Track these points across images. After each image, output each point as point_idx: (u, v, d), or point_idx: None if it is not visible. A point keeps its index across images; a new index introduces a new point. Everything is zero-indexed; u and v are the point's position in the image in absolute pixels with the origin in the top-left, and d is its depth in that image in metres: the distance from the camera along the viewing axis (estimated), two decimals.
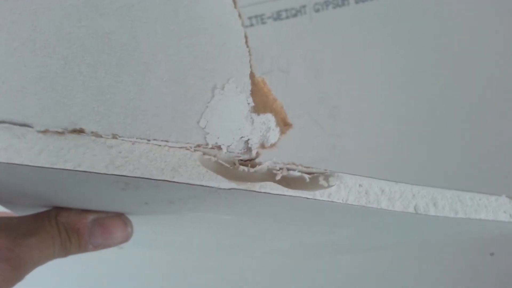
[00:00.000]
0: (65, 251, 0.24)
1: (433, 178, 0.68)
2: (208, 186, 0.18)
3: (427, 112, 0.70)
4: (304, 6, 0.62)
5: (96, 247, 0.26)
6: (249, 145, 0.19)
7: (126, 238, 0.26)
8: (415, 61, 0.70)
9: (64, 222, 0.24)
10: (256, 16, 0.61)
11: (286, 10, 0.62)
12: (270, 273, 0.63)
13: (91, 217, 0.25)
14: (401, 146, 0.69)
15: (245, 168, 0.19)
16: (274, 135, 0.20)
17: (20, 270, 0.22)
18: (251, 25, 0.61)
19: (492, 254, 0.68)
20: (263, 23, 0.61)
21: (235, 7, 0.19)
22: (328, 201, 0.19)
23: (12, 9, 0.17)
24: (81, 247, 0.25)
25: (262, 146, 0.20)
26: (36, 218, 0.24)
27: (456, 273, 0.69)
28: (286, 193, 0.19)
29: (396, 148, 0.69)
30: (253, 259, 0.59)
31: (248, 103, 0.19)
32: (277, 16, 0.61)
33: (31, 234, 0.23)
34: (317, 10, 0.62)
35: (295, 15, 0.62)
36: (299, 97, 0.64)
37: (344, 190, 0.20)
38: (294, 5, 0.63)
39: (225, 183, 0.18)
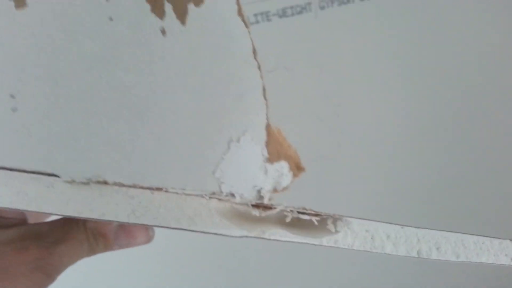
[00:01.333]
0: (92, 252, 0.27)
1: (435, 173, 0.67)
2: (222, 234, 0.19)
3: (431, 109, 0.69)
4: (309, 3, 0.60)
5: (121, 247, 0.28)
6: (261, 194, 0.20)
7: (148, 240, 0.28)
8: (420, 59, 0.68)
9: (92, 227, 0.26)
10: (261, 13, 0.59)
11: (291, 7, 0.59)
12: None
13: (115, 222, 0.27)
14: (405, 144, 0.68)
15: (258, 212, 0.20)
16: (286, 179, 0.21)
17: (53, 275, 0.24)
18: (256, 22, 0.59)
19: None
20: (268, 20, 0.59)
21: (255, 58, 0.19)
22: (335, 247, 0.20)
23: (35, 64, 0.17)
24: (107, 248, 0.27)
25: (275, 190, 0.21)
26: (65, 224, 0.26)
27: (459, 271, 0.70)
28: (294, 240, 0.20)
29: (400, 145, 0.68)
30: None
31: (263, 155, 0.20)
32: (283, 13, 0.58)
33: (61, 241, 0.25)
34: (322, 7, 0.58)
35: (300, 12, 0.59)
36: (303, 95, 0.63)
37: (350, 236, 0.21)
38: (300, 2, 0.60)
39: (237, 231, 0.19)
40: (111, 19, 0.17)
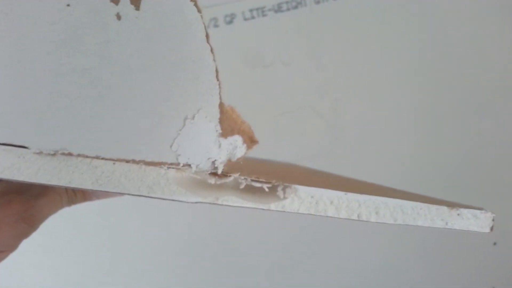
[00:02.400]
0: (72, 203, 0.29)
1: (435, 166, 0.68)
2: (178, 200, 0.22)
3: (429, 103, 0.68)
4: None
5: (98, 198, 0.31)
6: (215, 165, 0.22)
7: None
8: (418, 53, 0.67)
9: None
10: (257, 9, 0.57)
11: (286, 2, 0.57)
12: None
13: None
14: (404, 138, 0.68)
15: (213, 180, 0.22)
16: (240, 151, 0.23)
17: (35, 225, 0.27)
18: (252, 17, 0.58)
19: (495, 243, 0.71)
20: (264, 15, 0.57)
21: (208, 42, 0.20)
22: (282, 211, 0.23)
23: (0, 46, 0.19)
24: (86, 199, 0.30)
25: (230, 161, 0.23)
26: None
27: (460, 262, 0.73)
28: (245, 205, 0.22)
29: (398, 139, 0.68)
30: None
31: (216, 130, 0.21)
32: (278, 8, 0.57)
33: (42, 194, 0.27)
34: (317, 2, 0.57)
35: (295, 7, 0.57)
36: (301, 90, 0.62)
37: (297, 202, 0.23)
38: None
39: (192, 198, 0.22)
40: (68, 5, 0.18)
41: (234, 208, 0.22)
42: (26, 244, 0.28)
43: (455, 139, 0.70)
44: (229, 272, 0.71)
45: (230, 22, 0.59)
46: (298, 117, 0.62)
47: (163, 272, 0.70)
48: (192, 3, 0.19)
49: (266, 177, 0.23)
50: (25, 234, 0.27)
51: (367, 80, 0.66)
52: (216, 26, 0.59)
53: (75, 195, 0.29)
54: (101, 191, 0.30)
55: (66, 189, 0.29)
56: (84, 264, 0.66)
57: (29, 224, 0.26)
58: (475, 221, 0.26)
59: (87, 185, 0.21)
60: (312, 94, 0.64)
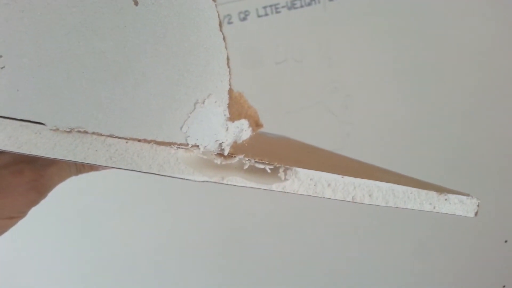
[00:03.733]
0: (79, 172, 0.31)
1: (445, 161, 0.69)
2: (186, 179, 0.23)
3: (441, 100, 0.68)
4: None
5: (104, 168, 0.32)
6: (222, 147, 0.23)
7: None
8: (429, 50, 0.66)
9: None
10: (270, 6, 0.56)
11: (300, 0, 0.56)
12: None
13: None
14: (414, 135, 0.68)
15: (219, 160, 0.24)
16: (246, 134, 0.24)
17: (44, 193, 0.28)
18: (266, 14, 0.57)
19: (506, 241, 0.72)
20: (278, 12, 0.56)
21: (220, 29, 0.21)
22: (282, 191, 0.24)
23: (19, 28, 0.19)
24: (93, 169, 0.31)
25: (235, 143, 0.24)
26: None
27: (471, 260, 0.74)
28: (248, 185, 0.24)
29: (409, 136, 0.68)
30: None
31: (225, 115, 0.22)
32: (291, 5, 0.56)
33: (51, 164, 0.28)
34: None
35: (309, 4, 0.56)
36: (312, 86, 0.62)
37: (296, 184, 0.25)
38: None
39: (200, 177, 0.23)
40: None
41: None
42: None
43: (469, 137, 0.70)
44: (231, 271, 0.73)
45: (244, 19, 0.59)
46: (310, 113, 0.63)
47: (163, 270, 0.72)
48: None
49: (269, 158, 0.24)
50: (35, 201, 0.28)
51: (378, 77, 0.66)
52: (230, 23, 0.59)
53: (83, 165, 0.30)
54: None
55: None
56: (84, 263, 0.68)
57: (39, 192, 0.28)
58: (461, 206, 0.27)
59: (101, 161, 0.22)
60: (324, 90, 0.65)
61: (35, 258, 0.66)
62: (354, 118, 0.68)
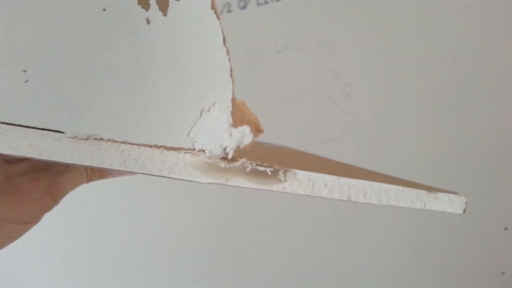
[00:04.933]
0: (89, 180, 0.32)
1: (446, 152, 0.70)
2: (193, 181, 0.25)
3: (442, 89, 0.69)
4: None
5: (114, 176, 0.34)
6: (226, 151, 0.25)
7: None
8: (430, 38, 0.66)
9: None
10: None
11: None
12: None
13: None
14: (415, 124, 0.69)
15: (224, 164, 0.26)
16: (248, 139, 0.26)
17: (57, 199, 0.30)
18: (266, 2, 0.57)
19: (506, 228, 0.73)
20: (278, 0, 0.57)
21: (224, 44, 0.23)
22: (282, 192, 0.26)
23: (42, 45, 0.21)
24: (103, 177, 0.33)
25: (238, 147, 0.26)
26: None
27: (470, 247, 0.74)
28: (251, 186, 0.26)
29: (410, 125, 0.69)
30: None
31: (228, 121, 0.24)
32: None
33: (65, 171, 0.30)
34: None
35: None
36: (313, 75, 0.62)
37: (295, 184, 0.27)
38: None
39: (206, 179, 0.25)
40: (104, 9, 0.21)
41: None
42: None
43: (473, 126, 0.71)
44: (230, 271, 0.74)
45: (244, 7, 0.59)
46: (311, 102, 0.64)
47: (165, 269, 0.73)
48: (213, 11, 0.22)
49: (269, 162, 0.26)
50: (49, 207, 0.30)
51: (379, 66, 0.66)
52: (229, 11, 0.59)
53: (93, 173, 0.32)
54: (117, 172, 0.33)
55: (86, 168, 0.32)
56: (84, 263, 0.69)
57: (53, 198, 0.29)
58: (450, 204, 0.29)
59: (116, 166, 0.24)
60: (325, 79, 0.65)
61: (45, 259, 0.67)
62: (355, 106, 0.68)
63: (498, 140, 0.72)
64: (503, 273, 0.77)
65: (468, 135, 0.72)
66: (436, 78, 0.70)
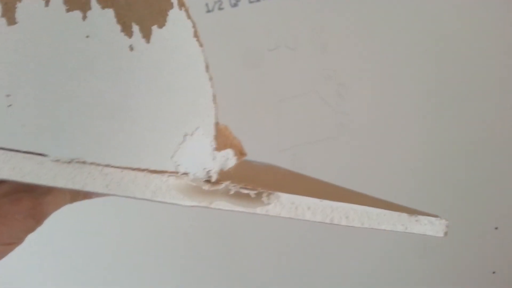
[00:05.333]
0: (73, 200, 0.32)
1: (439, 154, 0.70)
2: (177, 204, 0.25)
3: (436, 87, 0.69)
4: None
5: (98, 196, 0.34)
6: (210, 174, 0.25)
7: None
8: (424, 37, 0.66)
9: None
10: None
11: None
12: None
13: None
14: (408, 124, 0.69)
15: (207, 186, 0.26)
16: (231, 162, 0.26)
17: (41, 220, 0.30)
18: (258, 0, 0.57)
19: (496, 228, 0.74)
20: None
21: (207, 71, 0.23)
22: (265, 215, 0.27)
23: (26, 71, 0.21)
24: (86, 197, 0.33)
25: (222, 170, 0.26)
26: None
27: (461, 247, 0.74)
28: (234, 209, 0.26)
29: (403, 125, 0.69)
30: None
31: (211, 145, 0.25)
32: None
33: (48, 192, 0.30)
34: None
35: None
36: (305, 74, 0.62)
37: (279, 207, 0.27)
38: None
39: (189, 202, 0.25)
40: (87, 36, 0.21)
41: (229, 213, 0.26)
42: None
43: (468, 130, 0.69)
44: (227, 271, 0.73)
45: (235, 5, 0.58)
46: (303, 102, 0.63)
47: (162, 271, 0.72)
48: (195, 39, 0.22)
49: (253, 184, 0.27)
50: (32, 228, 0.30)
51: (372, 66, 0.66)
52: (220, 8, 0.58)
53: (77, 194, 0.32)
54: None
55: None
56: (84, 265, 0.69)
57: (36, 219, 0.29)
58: (430, 227, 0.30)
59: (98, 189, 0.24)
60: (317, 79, 0.64)
61: (45, 259, 0.66)
62: (348, 106, 0.67)
63: (489, 140, 0.72)
64: (494, 273, 0.77)
65: (460, 135, 0.72)
66: (429, 78, 0.69)
